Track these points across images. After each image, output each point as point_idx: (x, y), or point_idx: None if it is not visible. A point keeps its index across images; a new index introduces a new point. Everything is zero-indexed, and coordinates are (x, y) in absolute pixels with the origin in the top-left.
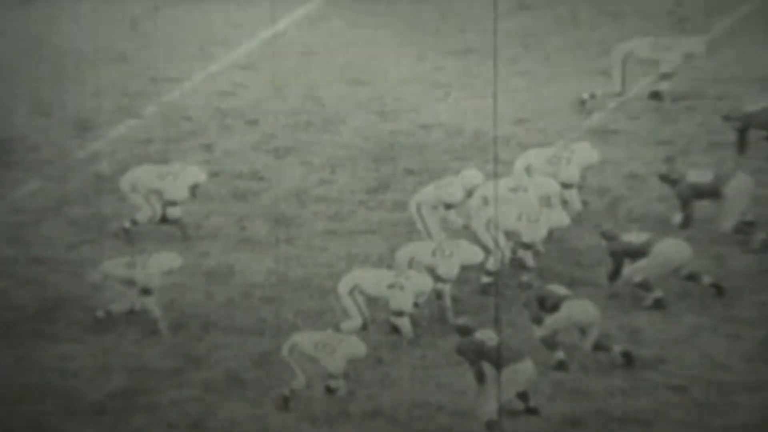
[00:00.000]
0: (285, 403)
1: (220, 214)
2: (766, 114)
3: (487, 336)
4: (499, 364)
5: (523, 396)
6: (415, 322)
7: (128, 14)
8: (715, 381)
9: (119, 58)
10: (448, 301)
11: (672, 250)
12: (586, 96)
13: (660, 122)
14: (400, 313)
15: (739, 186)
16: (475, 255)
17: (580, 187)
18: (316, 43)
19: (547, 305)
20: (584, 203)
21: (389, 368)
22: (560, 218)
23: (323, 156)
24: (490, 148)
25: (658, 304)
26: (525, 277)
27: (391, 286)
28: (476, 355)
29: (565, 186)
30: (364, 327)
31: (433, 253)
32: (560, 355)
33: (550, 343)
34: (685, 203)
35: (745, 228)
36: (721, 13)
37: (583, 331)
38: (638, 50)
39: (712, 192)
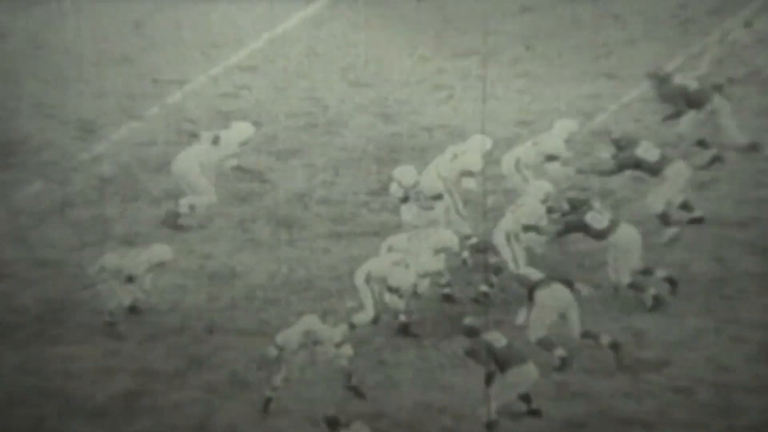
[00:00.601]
0: (266, 404)
1: (223, 216)
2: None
3: (494, 338)
4: (504, 366)
5: (525, 398)
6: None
7: (131, 16)
8: (719, 383)
9: (122, 60)
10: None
11: (627, 236)
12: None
13: (662, 124)
14: (396, 290)
15: (677, 171)
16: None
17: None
18: (319, 44)
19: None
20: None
21: (392, 370)
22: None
23: (326, 158)
24: (493, 150)
25: (659, 302)
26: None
27: (395, 263)
28: (487, 357)
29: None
30: (376, 321)
31: (409, 239)
32: (560, 352)
33: (546, 343)
34: (620, 168)
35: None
36: (725, 14)
37: (563, 316)
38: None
39: (651, 169)
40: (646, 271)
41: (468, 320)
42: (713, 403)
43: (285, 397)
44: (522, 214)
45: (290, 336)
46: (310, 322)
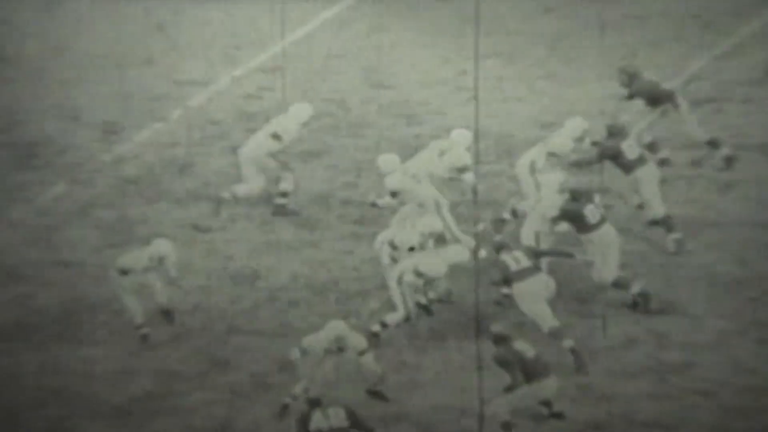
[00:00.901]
0: (283, 410)
1: (245, 218)
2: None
3: (524, 348)
4: (530, 378)
5: (546, 403)
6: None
7: (154, 18)
8: (743, 385)
9: (145, 62)
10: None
11: (609, 236)
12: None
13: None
14: (411, 249)
15: (649, 173)
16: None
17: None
18: (341, 46)
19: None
20: (609, 207)
21: (413, 371)
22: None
23: (348, 159)
24: (514, 151)
25: (644, 299)
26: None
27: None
28: (517, 366)
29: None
30: (407, 319)
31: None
32: (569, 343)
33: (557, 334)
34: (600, 157)
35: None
36: (748, 16)
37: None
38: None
39: (626, 166)
40: (618, 283)
41: (496, 327)
42: (737, 405)
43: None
44: (546, 209)
45: (316, 341)
46: (338, 327)
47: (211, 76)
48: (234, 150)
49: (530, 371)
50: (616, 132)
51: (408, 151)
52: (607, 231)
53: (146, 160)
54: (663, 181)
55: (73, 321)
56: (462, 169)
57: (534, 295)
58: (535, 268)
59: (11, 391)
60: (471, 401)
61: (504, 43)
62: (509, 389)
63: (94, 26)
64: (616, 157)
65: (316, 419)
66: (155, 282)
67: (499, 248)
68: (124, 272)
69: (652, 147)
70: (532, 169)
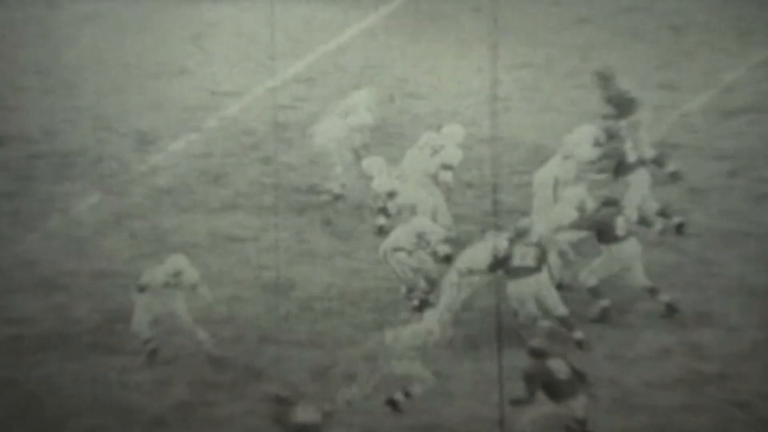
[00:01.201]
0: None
1: (279, 228)
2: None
3: (558, 367)
4: (558, 398)
5: (580, 422)
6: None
7: (189, 29)
8: None
9: (180, 73)
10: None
11: (624, 247)
12: None
13: (721, 136)
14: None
15: (640, 178)
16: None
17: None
18: (376, 56)
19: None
20: (643, 219)
21: (447, 382)
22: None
23: None
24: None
25: (605, 314)
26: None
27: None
28: (542, 385)
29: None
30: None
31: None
32: (579, 335)
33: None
34: (603, 157)
35: (647, 221)
36: None
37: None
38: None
39: (621, 169)
40: (653, 291)
41: (536, 341)
42: None
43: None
44: (555, 218)
45: (355, 353)
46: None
47: (245, 86)
48: (266, 160)
49: (558, 391)
50: (612, 135)
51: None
52: (631, 244)
53: (180, 171)
54: (696, 192)
55: (108, 331)
56: (446, 167)
57: (522, 293)
58: (536, 269)
59: (48, 401)
60: (503, 413)
61: (537, 53)
62: (518, 402)
63: (129, 37)
64: (620, 160)
65: (298, 413)
66: (179, 303)
67: (519, 235)
68: (141, 289)
69: (659, 160)
70: (556, 182)
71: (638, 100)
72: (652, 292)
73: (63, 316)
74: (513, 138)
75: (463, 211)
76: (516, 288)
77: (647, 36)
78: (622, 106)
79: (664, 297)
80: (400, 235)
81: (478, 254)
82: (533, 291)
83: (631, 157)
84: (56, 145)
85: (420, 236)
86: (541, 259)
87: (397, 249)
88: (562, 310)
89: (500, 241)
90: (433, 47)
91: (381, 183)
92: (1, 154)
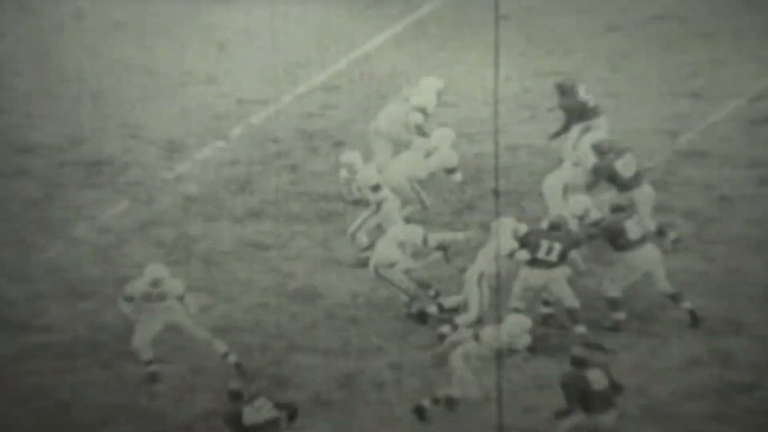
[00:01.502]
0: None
1: (305, 235)
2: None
3: (596, 378)
4: (590, 409)
5: None
6: None
7: (215, 37)
8: None
9: (206, 81)
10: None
11: (642, 254)
12: None
13: (751, 144)
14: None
15: (645, 194)
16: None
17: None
18: (403, 64)
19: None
20: (673, 226)
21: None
22: None
23: None
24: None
25: (617, 327)
26: None
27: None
28: (578, 395)
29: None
30: (479, 320)
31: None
32: (581, 329)
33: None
34: (594, 182)
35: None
36: None
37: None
38: None
39: (622, 186)
40: (675, 297)
41: (577, 350)
42: None
43: (367, 418)
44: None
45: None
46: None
47: (272, 94)
48: (292, 168)
49: (591, 402)
50: (608, 150)
51: (469, 170)
52: (649, 250)
53: (207, 179)
54: (725, 200)
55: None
56: (451, 170)
57: (529, 283)
58: (555, 265)
59: (77, 408)
60: (533, 422)
61: (566, 62)
62: (561, 415)
63: (156, 46)
64: (613, 178)
65: (249, 415)
66: (179, 316)
67: (554, 227)
68: (128, 299)
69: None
70: (566, 188)
71: (597, 109)
72: (675, 298)
73: (90, 324)
74: (540, 147)
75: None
76: (526, 276)
77: (677, 44)
78: (575, 113)
79: (687, 304)
80: (384, 250)
81: (489, 253)
82: (541, 284)
83: (627, 172)
84: (84, 153)
85: (402, 245)
86: (564, 256)
87: (392, 264)
88: (572, 302)
89: (518, 227)
90: (461, 55)
91: (368, 175)
92: (30, 162)
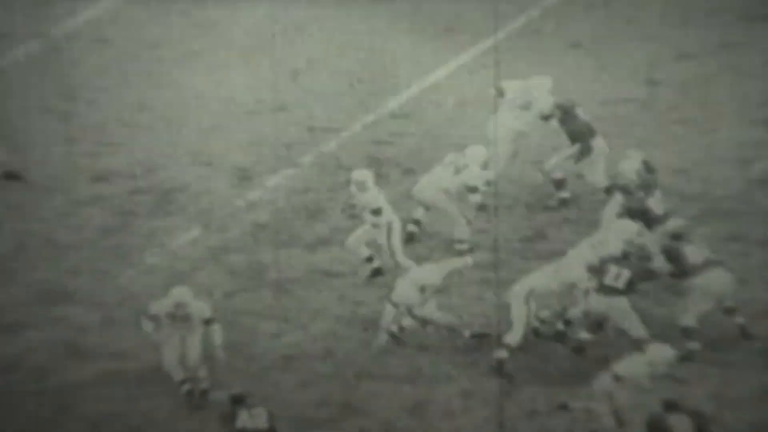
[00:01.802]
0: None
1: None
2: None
3: (680, 423)
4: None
5: None
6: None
7: (287, 66)
8: None
9: (278, 109)
10: None
11: (713, 280)
12: None
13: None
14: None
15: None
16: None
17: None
18: (472, 92)
19: None
20: (746, 255)
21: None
22: None
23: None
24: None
25: (689, 356)
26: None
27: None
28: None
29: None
30: (524, 339)
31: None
32: (693, 345)
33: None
34: (628, 213)
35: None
36: None
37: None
38: None
39: (652, 221)
40: (729, 310)
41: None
42: None
43: None
44: (600, 247)
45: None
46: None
47: (343, 122)
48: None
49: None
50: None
51: (538, 196)
52: (717, 275)
53: (278, 206)
54: None
55: (209, 366)
56: (472, 189)
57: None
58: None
59: None
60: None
61: (637, 88)
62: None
63: (228, 75)
64: (645, 214)
65: (243, 418)
66: (194, 342)
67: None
68: (151, 318)
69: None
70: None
71: (593, 129)
72: (729, 311)
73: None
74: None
75: (561, 247)
76: (589, 300)
77: (750, 72)
78: (581, 135)
79: (739, 319)
80: (408, 293)
81: (544, 279)
82: (602, 310)
83: (658, 209)
84: (157, 180)
85: (422, 289)
86: (633, 286)
87: (420, 304)
88: (638, 332)
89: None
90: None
91: (374, 198)
92: (104, 190)
